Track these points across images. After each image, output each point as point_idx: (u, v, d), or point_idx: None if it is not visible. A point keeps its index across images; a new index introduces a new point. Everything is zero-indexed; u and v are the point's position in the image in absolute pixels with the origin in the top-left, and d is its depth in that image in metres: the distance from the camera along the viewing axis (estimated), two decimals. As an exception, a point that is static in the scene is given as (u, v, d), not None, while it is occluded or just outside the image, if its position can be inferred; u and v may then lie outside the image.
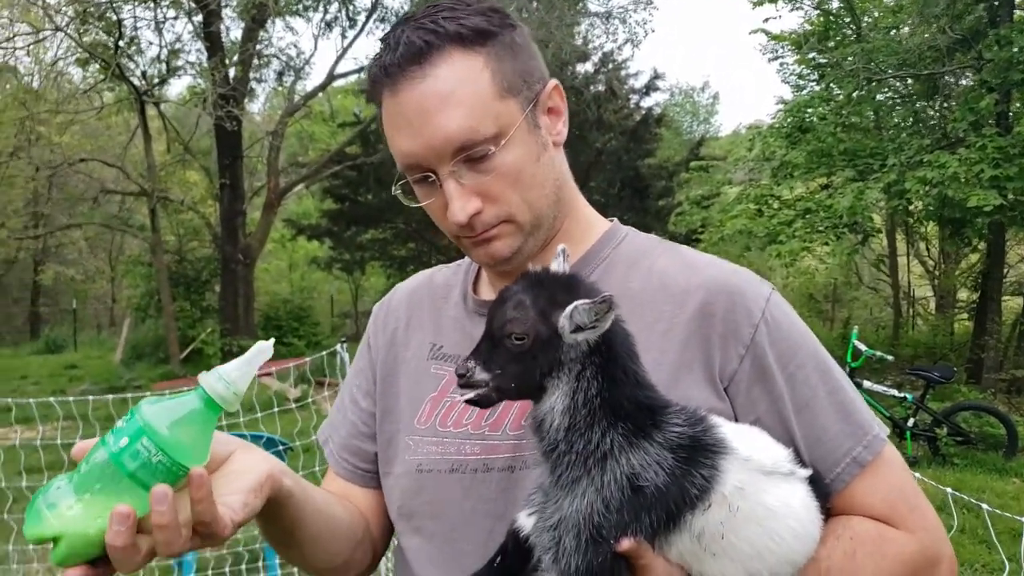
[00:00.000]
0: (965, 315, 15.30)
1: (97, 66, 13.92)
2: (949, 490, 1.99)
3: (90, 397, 5.14)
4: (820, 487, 0.97)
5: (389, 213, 18.10)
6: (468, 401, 0.90)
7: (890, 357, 8.27)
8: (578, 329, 0.86)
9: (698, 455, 0.87)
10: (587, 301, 0.84)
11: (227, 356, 14.16)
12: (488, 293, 1.20)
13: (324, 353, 4.57)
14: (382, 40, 1.05)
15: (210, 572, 4.70)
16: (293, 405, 5.47)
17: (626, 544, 0.85)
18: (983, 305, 11.28)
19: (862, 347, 7.48)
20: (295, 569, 4.65)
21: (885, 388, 7.74)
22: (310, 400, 5.73)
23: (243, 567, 4.74)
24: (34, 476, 5.78)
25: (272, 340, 0.91)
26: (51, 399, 5.42)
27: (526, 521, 0.96)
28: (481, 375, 0.88)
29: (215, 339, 14.32)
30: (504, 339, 0.88)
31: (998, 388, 10.09)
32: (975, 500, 1.83)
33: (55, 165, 15.33)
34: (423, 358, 1.20)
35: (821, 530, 0.96)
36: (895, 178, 8.81)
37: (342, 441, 1.26)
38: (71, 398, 5.37)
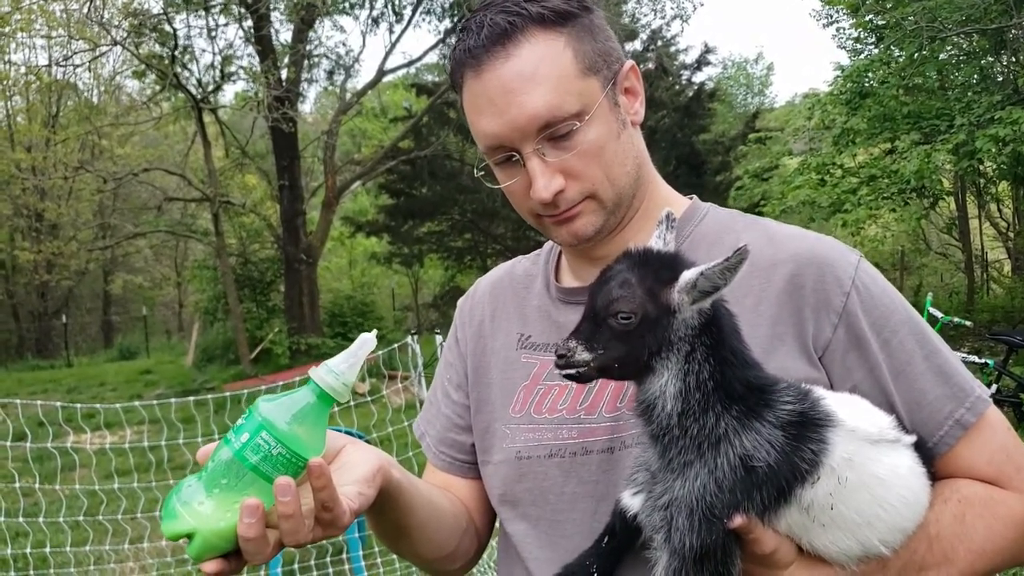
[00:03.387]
0: (1044, 276, 14.65)
1: (153, 77, 14.37)
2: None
3: (172, 400, 5.37)
4: (924, 451, 0.97)
5: (444, 205, 18.30)
6: (567, 376, 0.90)
7: (968, 323, 7.98)
8: (703, 295, 0.85)
9: (807, 430, 0.87)
10: (715, 263, 0.84)
11: (295, 355, 14.54)
12: (570, 280, 1.21)
13: (395, 346, 4.66)
14: (462, 26, 1.08)
15: (296, 566, 4.87)
16: (368, 398, 5.60)
17: (738, 521, 0.86)
18: (1064, 265, 10.78)
19: (937, 314, 7.26)
20: (381, 559, 4.80)
21: (965, 355, 7.48)
22: (382, 393, 5.85)
23: (328, 559, 4.89)
24: (125, 478, 6.07)
25: (375, 332, 0.94)
26: (133, 403, 5.69)
27: (631, 501, 0.97)
28: (583, 355, 0.88)
29: (283, 338, 14.67)
30: (609, 318, 0.88)
31: (1083, 350, 9.65)
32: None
33: (120, 176, 15.88)
34: (512, 348, 1.22)
35: (929, 496, 0.95)
36: (963, 138, 8.46)
37: (438, 435, 1.30)
38: (153, 402, 5.61)
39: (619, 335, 0.88)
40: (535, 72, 1.00)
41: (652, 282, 0.88)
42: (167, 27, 13.30)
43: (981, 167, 9.45)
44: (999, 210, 16.00)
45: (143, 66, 13.95)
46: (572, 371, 0.90)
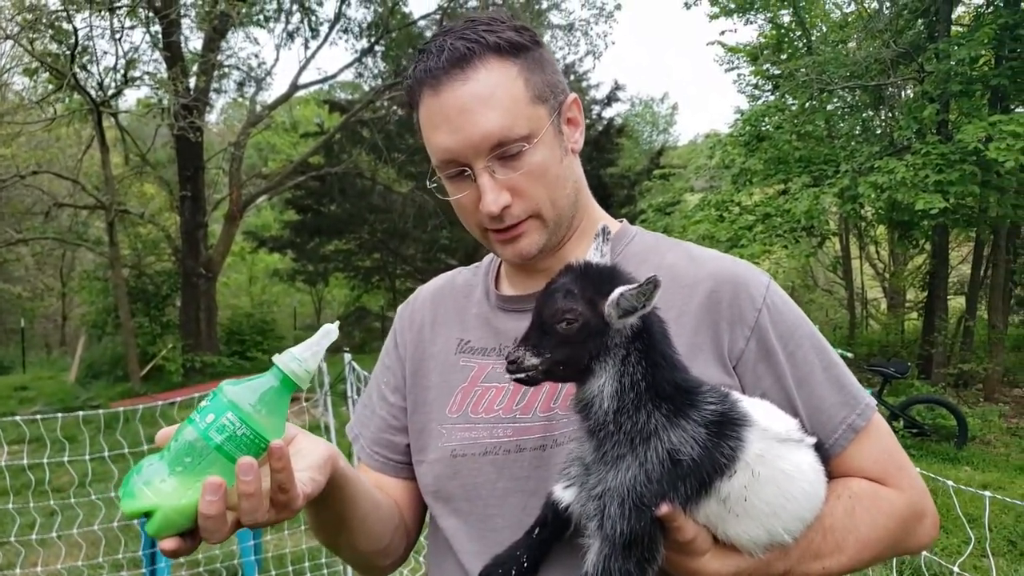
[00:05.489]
0: (914, 314, 15.87)
1: (46, 75, 13.59)
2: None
3: (58, 415, 5.05)
4: (822, 452, 1.08)
5: (353, 224, 18.06)
6: (517, 380, 0.98)
7: (850, 354, 8.57)
8: (625, 313, 0.94)
9: (726, 428, 0.97)
10: (632, 286, 0.93)
11: (189, 372, 13.93)
12: (509, 290, 1.29)
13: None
14: (422, 48, 1.15)
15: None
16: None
17: (664, 509, 0.94)
18: (930, 304, 11.74)
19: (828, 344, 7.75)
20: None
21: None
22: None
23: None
24: (2, 499, 5.67)
25: (337, 323, 0.99)
26: (14, 418, 5.32)
27: (563, 493, 1.05)
28: (531, 360, 0.96)
29: (176, 355, 14.02)
30: (555, 326, 0.96)
31: (947, 382, 10.51)
32: (939, 479, 1.98)
33: (3, 178, 14.88)
34: (451, 352, 1.28)
35: (825, 491, 1.07)
36: (848, 183, 9.15)
37: (372, 436, 1.34)
38: (36, 416, 5.27)
39: (563, 341, 0.95)
40: (491, 95, 1.08)
41: (592, 293, 0.96)
42: (66, 25, 12.66)
43: (862, 211, 10.21)
44: (877, 252, 17.27)
45: (36, 63, 13.18)
46: (522, 375, 0.97)
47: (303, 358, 0.91)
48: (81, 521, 4.62)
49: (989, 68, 9.89)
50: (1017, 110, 9.68)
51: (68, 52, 12.39)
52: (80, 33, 12.49)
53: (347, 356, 4.93)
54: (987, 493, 1.85)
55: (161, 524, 0.84)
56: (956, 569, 1.86)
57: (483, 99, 1.08)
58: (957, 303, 13.86)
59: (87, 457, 4.69)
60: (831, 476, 1.09)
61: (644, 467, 0.94)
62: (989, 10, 10.15)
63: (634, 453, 0.95)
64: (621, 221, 1.32)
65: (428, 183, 1.21)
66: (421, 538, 1.36)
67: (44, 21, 12.54)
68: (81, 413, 4.10)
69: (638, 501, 0.94)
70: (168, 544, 0.86)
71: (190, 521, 0.85)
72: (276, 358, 0.92)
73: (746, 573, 1.03)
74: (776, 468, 0.99)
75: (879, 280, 17.55)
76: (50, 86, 13.82)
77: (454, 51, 1.09)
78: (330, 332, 0.95)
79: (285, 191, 17.48)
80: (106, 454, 4.48)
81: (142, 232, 16.26)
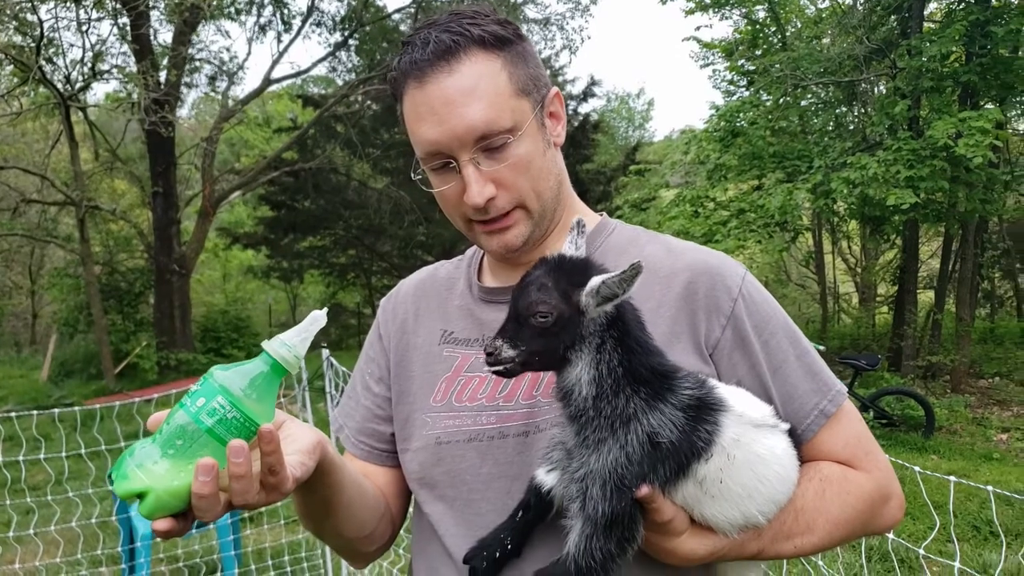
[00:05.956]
0: (885, 308, 16.17)
1: (11, 68, 13.33)
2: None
3: (33, 413, 4.98)
4: (794, 437, 1.12)
5: (328, 220, 17.93)
6: (496, 372, 1.01)
7: (822, 347, 8.72)
8: (604, 300, 0.97)
9: (703, 413, 1.00)
10: (613, 273, 0.96)
11: (164, 370, 13.77)
12: (492, 282, 1.31)
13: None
14: (406, 40, 1.16)
15: (167, 583, 4.66)
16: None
17: (644, 490, 0.97)
18: (900, 298, 11.96)
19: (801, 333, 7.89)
20: None
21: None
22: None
23: (202, 576, 4.71)
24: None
25: (326, 309, 1.01)
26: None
27: (546, 477, 1.08)
28: (508, 352, 0.99)
29: (151, 353, 13.85)
30: (530, 318, 0.99)
31: (916, 374, 10.73)
32: (908, 465, 2.03)
33: (-30, 174, 14.59)
34: (434, 343, 1.30)
35: (798, 474, 1.11)
36: (821, 179, 9.28)
37: (357, 425, 1.36)
38: (11, 415, 5.20)
39: (539, 332, 0.98)
40: (475, 88, 1.10)
41: (566, 285, 0.99)
42: (31, 16, 12.42)
43: (835, 206, 10.36)
44: (849, 247, 17.54)
45: (0, 56, 12.91)
46: (500, 367, 1.00)
47: (292, 344, 0.93)
48: (58, 518, 4.58)
49: (959, 64, 10.08)
50: (986, 106, 9.87)
51: (33, 44, 12.16)
52: (45, 24, 12.26)
53: (325, 352, 4.92)
54: (952, 478, 1.91)
55: (154, 506, 0.86)
56: (922, 552, 1.92)
57: (468, 91, 1.10)
58: (926, 297, 14.14)
59: (63, 455, 4.64)
60: (803, 460, 1.13)
61: (625, 449, 0.98)
62: (960, 6, 10.33)
63: (615, 436, 0.98)
64: (601, 215, 1.35)
65: (412, 175, 1.23)
66: (402, 532, 1.38)
67: (8, 12, 12.29)
68: (56, 411, 4.05)
69: (619, 482, 0.97)
70: (161, 525, 0.88)
71: (182, 502, 0.87)
72: (265, 344, 0.94)
73: (721, 553, 1.06)
74: (751, 452, 1.03)
75: (851, 275, 17.85)
76: (15, 79, 13.56)
77: (439, 43, 1.11)
78: (318, 319, 0.96)
79: (259, 187, 17.32)
80: (83, 451, 4.44)
81: (113, 229, 16.04)
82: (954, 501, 5.77)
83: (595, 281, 0.97)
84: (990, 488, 1.83)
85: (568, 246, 1.07)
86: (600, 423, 0.99)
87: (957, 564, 1.92)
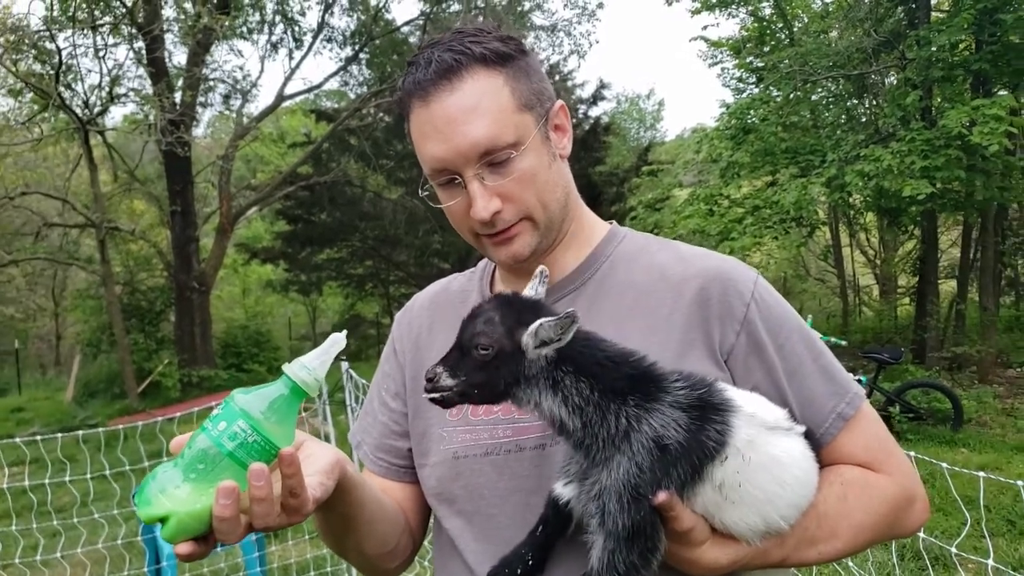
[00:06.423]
0: (906, 299, 15.98)
1: (31, 96, 13.57)
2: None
3: (58, 436, 5.05)
4: (812, 441, 1.11)
5: (344, 232, 18.04)
6: (433, 400, 1.01)
7: (844, 342, 8.62)
8: (543, 344, 0.97)
9: (708, 413, 0.99)
10: (552, 318, 0.96)
11: (186, 387, 13.92)
12: None
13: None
14: (411, 61, 1.18)
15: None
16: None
17: (662, 496, 0.96)
18: (922, 289, 11.82)
19: (816, 334, 7.81)
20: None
21: (840, 373, 8.05)
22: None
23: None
24: (2, 522, 5.66)
25: (345, 332, 1.01)
26: (14, 439, 5.31)
27: (564, 490, 1.07)
28: (447, 380, 0.99)
29: (173, 371, 14.01)
30: (472, 349, 0.99)
31: (941, 366, 10.59)
32: (935, 461, 2.01)
33: (-6, 200, 14.81)
34: None
35: (818, 478, 1.09)
36: (835, 172, 9.21)
37: (375, 442, 1.37)
38: (36, 438, 5.26)
39: (479, 365, 0.98)
40: (477, 105, 1.11)
41: (512, 323, 0.99)
42: (49, 44, 12.64)
43: (851, 199, 10.28)
44: (867, 239, 17.37)
45: (21, 84, 13.15)
46: (437, 395, 1.00)
47: (312, 366, 0.94)
48: (84, 540, 4.63)
49: (970, 53, 9.97)
50: (999, 94, 9.75)
51: (52, 72, 12.38)
52: (63, 52, 12.48)
53: (344, 365, 4.95)
54: (982, 474, 1.89)
55: (176, 529, 0.87)
56: (955, 550, 1.89)
57: (470, 109, 1.11)
58: (948, 287, 13.95)
59: (88, 476, 4.69)
60: (822, 465, 1.11)
61: (634, 460, 0.97)
62: (968, -5, 10.21)
63: (620, 451, 0.98)
64: (611, 223, 1.35)
65: (420, 191, 1.24)
66: (425, 542, 1.38)
67: (27, 41, 12.52)
68: (80, 432, 4.11)
69: (634, 492, 0.97)
70: (183, 548, 0.89)
71: (204, 525, 0.88)
72: (286, 367, 0.94)
73: (744, 561, 1.05)
74: (767, 454, 1.02)
75: (870, 267, 17.66)
76: (35, 106, 13.80)
77: (441, 63, 1.12)
78: (338, 341, 0.97)
79: (275, 202, 17.47)
80: (107, 472, 4.49)
81: (133, 249, 16.24)
82: (987, 495, 5.68)
83: (535, 324, 0.97)
84: (1020, 483, 1.80)
85: (528, 292, 1.08)
86: (600, 444, 0.99)
87: (991, 562, 1.89)
